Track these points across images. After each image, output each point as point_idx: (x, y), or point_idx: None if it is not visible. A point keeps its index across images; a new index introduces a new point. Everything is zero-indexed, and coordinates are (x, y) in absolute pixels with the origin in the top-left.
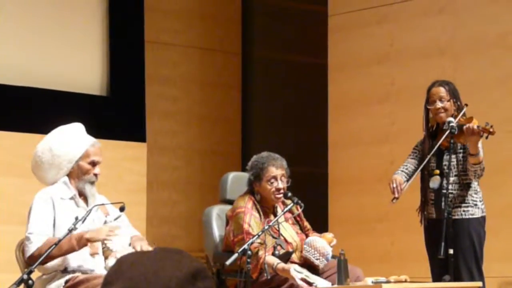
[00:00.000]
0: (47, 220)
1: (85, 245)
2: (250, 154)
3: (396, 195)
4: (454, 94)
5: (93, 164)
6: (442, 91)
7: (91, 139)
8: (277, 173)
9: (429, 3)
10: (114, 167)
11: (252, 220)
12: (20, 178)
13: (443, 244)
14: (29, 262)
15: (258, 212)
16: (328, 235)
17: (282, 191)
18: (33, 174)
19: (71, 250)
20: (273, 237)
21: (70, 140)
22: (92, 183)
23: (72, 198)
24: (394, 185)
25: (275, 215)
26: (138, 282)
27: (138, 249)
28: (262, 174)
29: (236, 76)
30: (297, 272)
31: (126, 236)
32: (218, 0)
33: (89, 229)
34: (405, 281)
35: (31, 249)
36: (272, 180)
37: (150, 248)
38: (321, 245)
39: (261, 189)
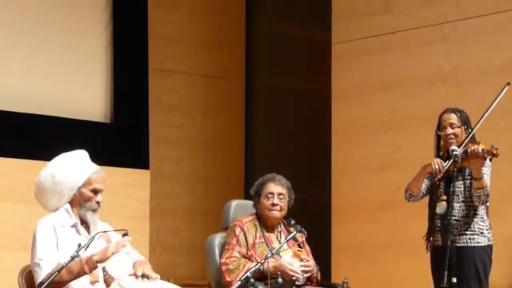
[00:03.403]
0: (54, 246)
1: (96, 267)
2: (253, 181)
3: (439, 176)
4: (465, 122)
5: (95, 191)
6: (453, 117)
7: (94, 167)
8: (275, 190)
9: (432, 31)
10: (117, 194)
11: (241, 234)
12: (23, 204)
13: (446, 272)
14: None
15: (256, 228)
16: (299, 253)
17: (277, 207)
18: (36, 200)
19: (82, 273)
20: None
21: (73, 167)
22: (94, 210)
23: (73, 226)
24: (436, 166)
25: (277, 238)
26: None
27: (139, 273)
28: (261, 190)
29: (240, 103)
30: (286, 263)
31: (128, 264)
32: (222, 27)
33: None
34: None
35: (41, 275)
36: (269, 196)
37: (152, 273)
38: (296, 264)
39: (260, 206)
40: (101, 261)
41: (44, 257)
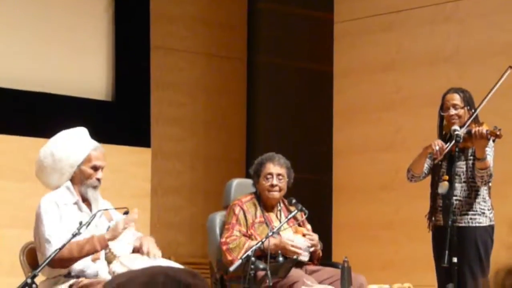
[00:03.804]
0: (60, 223)
1: (107, 245)
2: (255, 160)
3: (440, 157)
4: (468, 102)
5: (95, 168)
6: (456, 98)
7: (94, 144)
8: (274, 170)
9: (435, 11)
10: (118, 172)
11: (240, 213)
12: (24, 182)
13: (446, 252)
14: (53, 265)
15: (255, 207)
16: (300, 229)
17: (276, 188)
18: (37, 178)
19: (94, 251)
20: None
21: (72, 144)
22: (94, 187)
23: (75, 203)
24: (437, 147)
25: (277, 217)
26: None
27: (145, 249)
28: (260, 170)
29: (241, 82)
30: (287, 240)
31: (130, 242)
32: (224, 6)
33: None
34: None
35: (51, 251)
36: (268, 177)
37: (155, 250)
38: (299, 240)
39: (259, 186)
40: (112, 239)
41: (53, 233)
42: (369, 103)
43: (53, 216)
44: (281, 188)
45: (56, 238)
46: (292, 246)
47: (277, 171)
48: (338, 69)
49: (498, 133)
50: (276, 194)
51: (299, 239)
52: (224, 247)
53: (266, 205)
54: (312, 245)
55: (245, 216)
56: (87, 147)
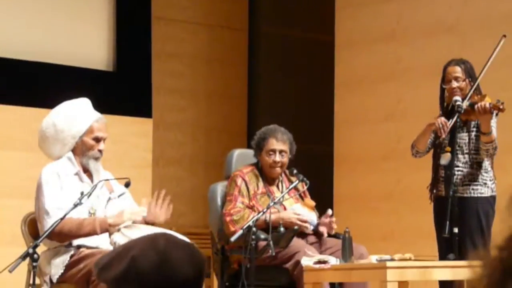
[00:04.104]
0: (61, 194)
1: (107, 230)
2: (256, 131)
3: (443, 135)
4: (470, 74)
5: (97, 140)
6: (458, 70)
7: (96, 115)
8: (277, 146)
9: None
10: (119, 143)
11: (243, 185)
12: (25, 152)
13: (447, 222)
14: (51, 237)
15: (257, 178)
16: (309, 202)
17: (279, 164)
18: (40, 149)
19: (93, 233)
20: (275, 204)
21: (74, 115)
22: (96, 159)
23: (76, 174)
24: (441, 125)
25: (278, 188)
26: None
27: (152, 210)
28: (262, 144)
29: (243, 53)
30: (294, 214)
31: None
32: None
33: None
34: (410, 259)
35: (50, 223)
36: (271, 153)
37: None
38: (303, 212)
39: (261, 160)
40: (114, 225)
41: (53, 205)
42: (371, 74)
43: (53, 187)
44: (283, 164)
45: (55, 211)
46: (299, 220)
47: (280, 147)
48: (340, 39)
49: (501, 107)
50: (278, 170)
51: (307, 212)
52: (228, 218)
53: (267, 177)
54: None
55: (247, 187)
56: (89, 118)
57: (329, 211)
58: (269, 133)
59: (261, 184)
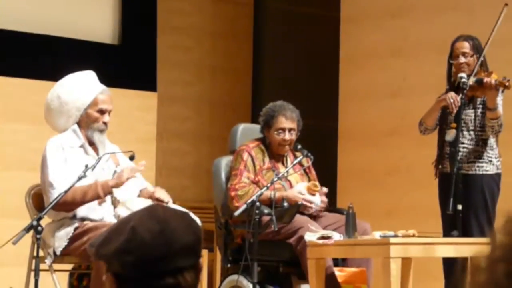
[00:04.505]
0: (65, 165)
1: (110, 192)
2: (260, 105)
3: (455, 111)
4: (478, 50)
5: (102, 112)
6: (466, 46)
7: (100, 87)
8: (286, 125)
9: None
10: (124, 116)
11: (249, 160)
12: (31, 125)
13: (451, 199)
14: (57, 208)
15: (263, 153)
16: (313, 187)
17: (288, 142)
18: (45, 121)
19: (96, 197)
20: (279, 179)
21: (79, 87)
22: (101, 131)
23: (81, 146)
24: (452, 100)
25: (284, 164)
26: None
27: (157, 195)
28: (271, 122)
29: (248, 27)
30: (299, 194)
31: (135, 187)
32: None
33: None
34: (413, 236)
35: (54, 195)
36: (280, 131)
37: (169, 197)
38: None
39: (269, 136)
40: (116, 186)
41: (57, 176)
42: (376, 49)
43: (58, 160)
44: (292, 141)
45: (59, 183)
46: (305, 200)
47: (289, 126)
48: (345, 14)
49: (507, 84)
50: (287, 147)
51: (311, 196)
52: (233, 193)
53: (273, 153)
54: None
55: (253, 162)
56: (93, 90)
57: (324, 189)
58: (278, 111)
59: (267, 159)
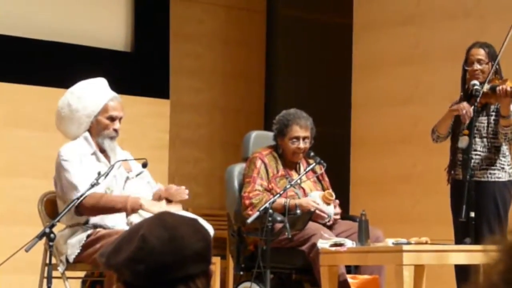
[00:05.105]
0: (84, 170)
1: (137, 210)
2: (273, 113)
3: (467, 121)
4: (493, 57)
5: (112, 119)
6: (481, 53)
7: (110, 94)
8: (301, 134)
9: None
10: (137, 124)
11: (262, 167)
12: (44, 132)
13: (464, 206)
14: (80, 210)
15: (276, 160)
16: (329, 196)
17: (302, 151)
18: (57, 128)
19: (123, 210)
20: (292, 186)
21: (89, 95)
22: (111, 138)
23: (93, 154)
24: (464, 111)
25: (297, 171)
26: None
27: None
28: (286, 131)
29: (261, 35)
30: (313, 202)
31: (149, 191)
32: None
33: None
34: (426, 243)
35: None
36: (294, 140)
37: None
38: (320, 202)
39: (283, 144)
40: (146, 209)
41: (80, 180)
42: (389, 57)
43: (76, 164)
44: (306, 150)
45: (84, 184)
46: (319, 210)
47: (303, 134)
48: (358, 22)
49: None
50: (300, 156)
51: (326, 206)
52: (247, 202)
53: (286, 161)
54: (335, 213)
55: (266, 170)
56: (103, 97)
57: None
58: (292, 119)
59: (280, 167)
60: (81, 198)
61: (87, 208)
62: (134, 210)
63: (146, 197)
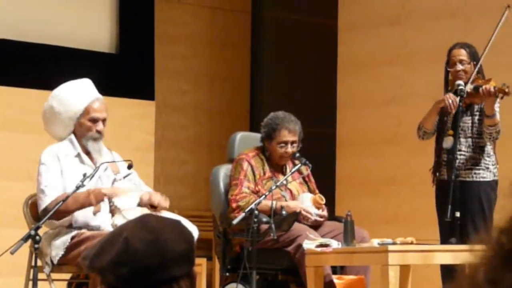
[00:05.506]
0: (58, 174)
1: (102, 200)
2: (259, 114)
3: (453, 111)
4: (474, 57)
5: (94, 121)
6: (463, 53)
7: (92, 96)
8: (289, 138)
9: None
10: (122, 125)
11: (249, 169)
12: (29, 134)
13: (449, 206)
14: (43, 215)
15: (262, 162)
16: (319, 199)
17: (290, 155)
18: (45, 130)
19: (88, 204)
20: (279, 189)
21: (70, 97)
22: (95, 140)
23: (76, 156)
24: (450, 101)
25: (284, 173)
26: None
27: (155, 200)
28: (274, 135)
29: (246, 36)
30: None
31: (135, 197)
32: None
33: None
34: (411, 243)
35: (45, 202)
36: (283, 145)
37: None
38: (307, 205)
39: (270, 148)
40: (109, 195)
41: (49, 184)
42: (374, 57)
43: (51, 168)
44: (293, 152)
45: (51, 189)
46: (305, 210)
47: (291, 139)
48: (343, 22)
49: (506, 90)
50: (288, 159)
51: (313, 208)
52: (234, 205)
53: (273, 163)
54: (321, 216)
55: (253, 172)
56: (85, 99)
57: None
58: (281, 123)
59: (266, 168)
60: (60, 204)
61: (49, 211)
62: (98, 200)
63: (106, 186)
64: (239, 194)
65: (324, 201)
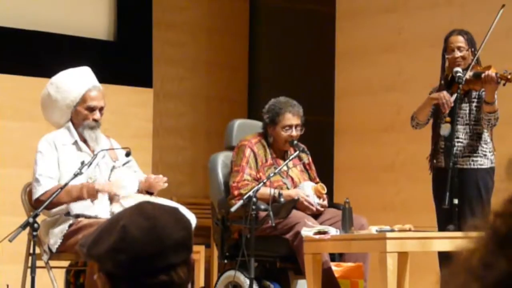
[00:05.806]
0: (54, 164)
1: (94, 195)
2: (257, 101)
3: (447, 111)
4: (472, 44)
5: (91, 109)
6: (460, 40)
7: (90, 84)
8: (293, 121)
9: None
10: (120, 113)
11: (251, 156)
12: (26, 122)
13: (447, 193)
14: (36, 205)
15: (265, 149)
16: (320, 188)
17: (295, 138)
18: (44, 118)
19: (80, 198)
20: (280, 176)
21: (67, 85)
22: (92, 128)
23: (74, 144)
24: (444, 101)
25: (285, 160)
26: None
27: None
28: (278, 119)
29: (244, 23)
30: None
31: (135, 181)
32: None
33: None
34: (409, 230)
35: (39, 191)
36: (287, 128)
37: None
38: (310, 193)
39: (274, 133)
40: (102, 191)
41: (44, 173)
42: (371, 45)
43: (47, 157)
44: (297, 137)
45: (46, 179)
46: (306, 201)
47: (296, 122)
48: (340, 10)
49: (509, 76)
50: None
51: (314, 197)
52: (236, 192)
53: (275, 149)
54: (322, 206)
55: (255, 158)
56: (82, 87)
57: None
58: (285, 107)
59: (269, 155)
60: (58, 192)
61: (42, 201)
62: (90, 196)
63: (104, 174)
64: (241, 181)
65: (325, 191)
